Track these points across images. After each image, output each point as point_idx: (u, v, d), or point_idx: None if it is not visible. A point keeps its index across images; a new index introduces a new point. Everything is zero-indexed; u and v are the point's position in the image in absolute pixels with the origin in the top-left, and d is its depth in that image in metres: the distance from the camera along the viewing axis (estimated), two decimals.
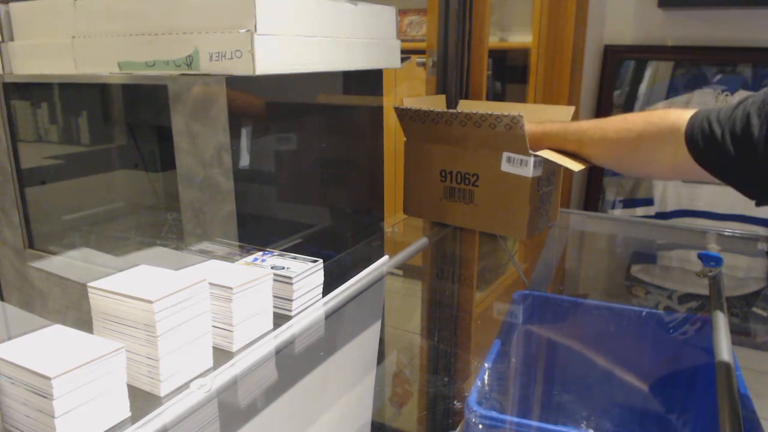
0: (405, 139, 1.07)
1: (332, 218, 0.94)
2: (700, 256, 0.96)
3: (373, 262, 0.89)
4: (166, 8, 0.67)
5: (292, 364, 0.65)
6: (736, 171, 0.66)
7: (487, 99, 1.32)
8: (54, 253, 0.93)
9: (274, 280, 0.66)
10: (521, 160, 0.93)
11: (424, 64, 1.38)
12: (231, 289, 0.58)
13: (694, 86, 1.53)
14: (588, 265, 1.21)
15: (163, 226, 0.85)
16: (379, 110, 0.99)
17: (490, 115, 0.91)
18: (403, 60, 0.93)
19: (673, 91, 1.55)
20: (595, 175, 1.67)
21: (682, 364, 0.87)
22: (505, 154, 0.95)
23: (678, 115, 0.73)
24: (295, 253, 0.73)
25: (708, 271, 0.92)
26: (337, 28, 0.77)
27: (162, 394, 0.52)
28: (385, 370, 0.82)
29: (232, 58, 0.63)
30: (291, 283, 0.67)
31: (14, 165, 0.93)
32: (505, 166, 0.95)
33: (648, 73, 1.59)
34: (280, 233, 0.82)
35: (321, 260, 0.72)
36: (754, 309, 0.97)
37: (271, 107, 0.78)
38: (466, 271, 1.15)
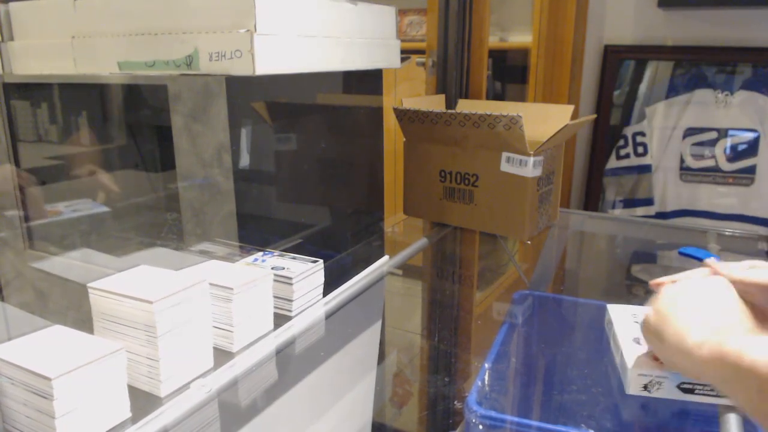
0: (404, 139, 1.07)
1: (332, 218, 0.94)
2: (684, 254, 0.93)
3: (373, 262, 0.89)
4: (166, 8, 0.67)
5: (293, 364, 0.65)
6: None
7: (487, 99, 1.32)
8: (54, 254, 0.93)
9: (275, 280, 0.66)
10: (520, 160, 0.93)
11: (423, 64, 1.38)
12: (231, 289, 0.58)
13: (694, 86, 1.53)
14: (588, 265, 1.21)
15: (163, 226, 0.85)
16: (378, 110, 0.99)
17: (489, 115, 0.91)
18: (403, 60, 0.93)
19: (673, 90, 1.55)
20: (595, 175, 1.67)
21: None
22: (504, 154, 0.95)
23: None
24: (295, 253, 0.73)
25: None
26: (337, 28, 0.77)
27: (162, 395, 0.52)
28: (386, 370, 0.82)
29: (231, 58, 0.63)
30: (291, 284, 0.67)
31: (14, 165, 0.93)
32: (505, 166, 0.95)
33: (648, 73, 1.59)
34: (280, 233, 0.82)
35: (321, 260, 0.72)
36: None
37: (270, 107, 0.78)
38: (466, 271, 1.15)
